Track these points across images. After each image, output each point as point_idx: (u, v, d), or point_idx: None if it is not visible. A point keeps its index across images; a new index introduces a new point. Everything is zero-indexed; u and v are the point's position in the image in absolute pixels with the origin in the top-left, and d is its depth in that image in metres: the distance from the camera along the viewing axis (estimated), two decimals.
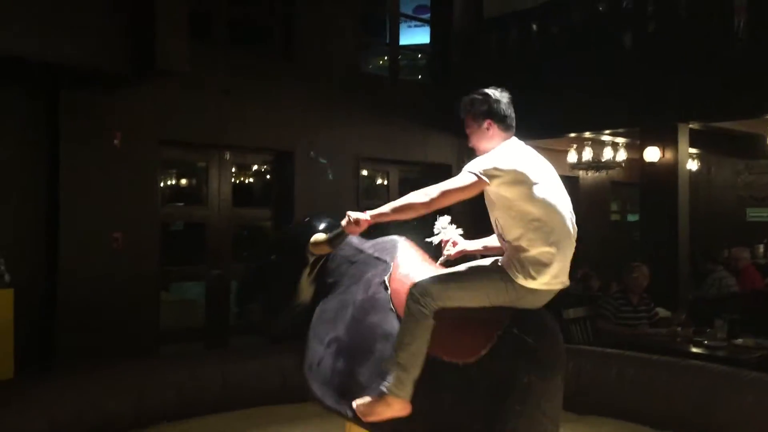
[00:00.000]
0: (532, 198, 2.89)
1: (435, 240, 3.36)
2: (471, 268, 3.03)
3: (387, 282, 3.19)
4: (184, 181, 7.78)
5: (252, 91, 7.28)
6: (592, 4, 8.69)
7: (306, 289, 3.40)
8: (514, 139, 3.13)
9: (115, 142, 6.30)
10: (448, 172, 9.24)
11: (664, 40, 7.79)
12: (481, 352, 2.87)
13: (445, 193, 2.89)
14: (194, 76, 6.12)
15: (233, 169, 7.60)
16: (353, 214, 2.98)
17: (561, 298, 8.64)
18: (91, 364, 4.96)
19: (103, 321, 6.14)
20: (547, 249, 2.90)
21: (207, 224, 7.26)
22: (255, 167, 8.15)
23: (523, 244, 2.90)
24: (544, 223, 2.91)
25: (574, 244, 3.00)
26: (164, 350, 6.67)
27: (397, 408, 2.86)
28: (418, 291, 2.90)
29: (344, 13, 8.23)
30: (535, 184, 2.88)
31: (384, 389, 2.86)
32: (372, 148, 8.34)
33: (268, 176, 8.01)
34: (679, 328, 6.13)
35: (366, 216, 2.96)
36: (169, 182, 7.56)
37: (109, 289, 6.23)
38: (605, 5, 8.58)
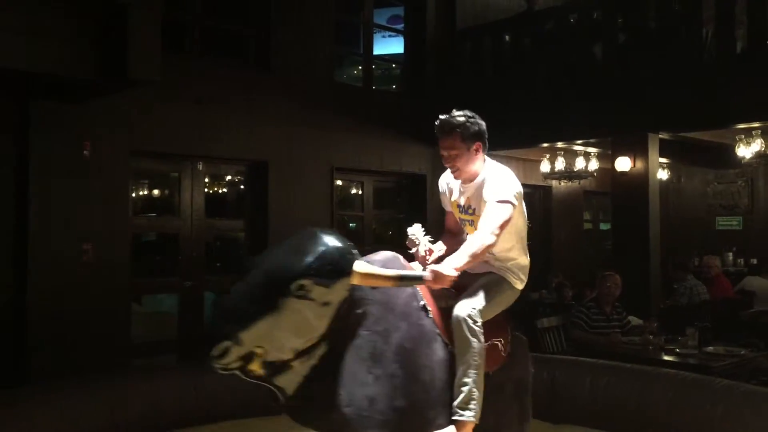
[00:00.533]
0: (523, 213, 3.21)
1: (421, 250, 3.23)
2: (489, 282, 3.16)
3: (427, 306, 3.03)
4: (156, 192, 7.70)
5: (226, 101, 7.25)
6: (563, 15, 8.80)
7: (318, 327, 2.75)
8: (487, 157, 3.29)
9: (85, 152, 6.22)
10: (423, 182, 9.32)
11: (634, 51, 7.90)
12: (505, 358, 3.16)
13: (501, 226, 2.98)
14: (167, 85, 6.06)
15: (206, 180, 7.54)
16: (439, 269, 2.78)
17: (534, 307, 8.71)
18: (63, 379, 4.86)
19: (74, 334, 6.04)
20: (527, 257, 3.29)
21: (180, 235, 7.19)
22: (228, 177, 8.10)
23: (513, 254, 3.19)
24: (525, 235, 3.26)
25: None
26: (136, 363, 6.58)
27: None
28: (473, 313, 2.98)
29: (319, 24, 8.23)
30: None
31: (465, 416, 2.90)
32: (347, 158, 8.34)
33: (242, 186, 7.96)
34: (651, 337, 6.18)
35: (454, 273, 2.81)
36: (141, 193, 7.48)
37: (79, 301, 6.14)
38: (576, 17, 8.68)
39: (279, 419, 4.29)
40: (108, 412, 4.43)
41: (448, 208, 3.37)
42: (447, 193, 3.33)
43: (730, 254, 11.51)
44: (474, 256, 2.90)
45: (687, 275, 8.78)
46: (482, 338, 2.97)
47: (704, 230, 12.35)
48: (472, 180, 3.18)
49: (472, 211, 3.17)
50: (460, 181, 3.22)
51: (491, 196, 3.01)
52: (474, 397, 2.91)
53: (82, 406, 4.40)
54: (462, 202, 3.22)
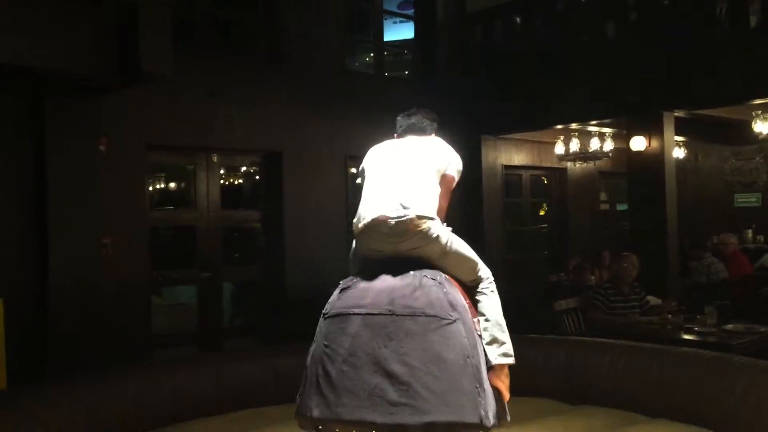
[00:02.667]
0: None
1: None
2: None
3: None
4: (172, 185, 7.77)
5: (238, 92, 7.28)
6: None
7: None
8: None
9: (101, 147, 6.26)
10: None
11: (647, 29, 7.83)
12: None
13: None
14: (180, 79, 6.09)
15: (221, 172, 7.59)
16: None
17: (553, 290, 8.70)
18: (84, 372, 4.93)
19: (95, 328, 6.10)
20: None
21: (196, 227, 7.25)
22: (243, 169, 8.15)
23: None
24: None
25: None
26: (157, 355, 6.66)
27: None
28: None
29: (329, 12, 8.22)
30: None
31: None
32: (360, 146, 8.29)
33: (256, 177, 8.00)
34: (670, 316, 6.18)
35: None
36: (157, 186, 7.55)
37: (100, 295, 6.20)
38: None
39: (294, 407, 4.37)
40: (131, 405, 4.49)
41: None
42: None
43: (750, 231, 11.41)
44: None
45: (704, 254, 8.75)
46: None
47: (722, 208, 12.24)
48: None
49: None
50: None
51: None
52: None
53: (106, 399, 4.47)
54: None
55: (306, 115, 7.81)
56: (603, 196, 12.05)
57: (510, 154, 10.07)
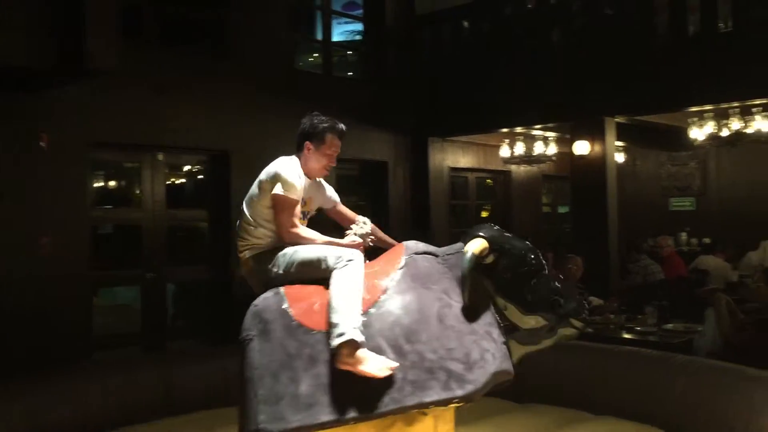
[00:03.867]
0: None
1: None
2: None
3: None
4: (115, 183, 7.57)
5: (185, 90, 7.14)
6: (521, 1, 8.89)
7: None
8: None
9: (42, 144, 6.08)
10: (385, 169, 9.35)
11: (591, 36, 8.03)
12: None
13: None
14: (124, 74, 5.94)
15: (167, 170, 7.43)
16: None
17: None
18: (25, 374, 4.77)
19: (34, 328, 5.93)
20: None
21: (141, 226, 7.09)
22: (189, 168, 8.00)
23: None
24: None
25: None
26: (98, 356, 6.49)
27: None
28: None
29: (277, 10, 8.16)
30: None
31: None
32: None
33: (203, 177, 7.87)
34: (612, 316, 6.36)
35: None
36: (100, 184, 7.34)
37: (39, 295, 6.02)
38: (534, 2, 8.79)
39: None
40: (71, 407, 4.37)
41: (298, 196, 3.25)
42: (302, 183, 3.28)
43: (684, 234, 11.81)
44: None
45: (640, 255, 9.02)
46: None
47: (659, 211, 12.64)
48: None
49: (304, 201, 3.35)
50: (306, 179, 3.33)
51: (335, 195, 3.56)
52: None
53: (47, 400, 4.33)
54: (303, 194, 3.31)
55: (254, 114, 7.72)
56: (545, 199, 12.30)
57: (456, 157, 10.18)
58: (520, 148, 9.94)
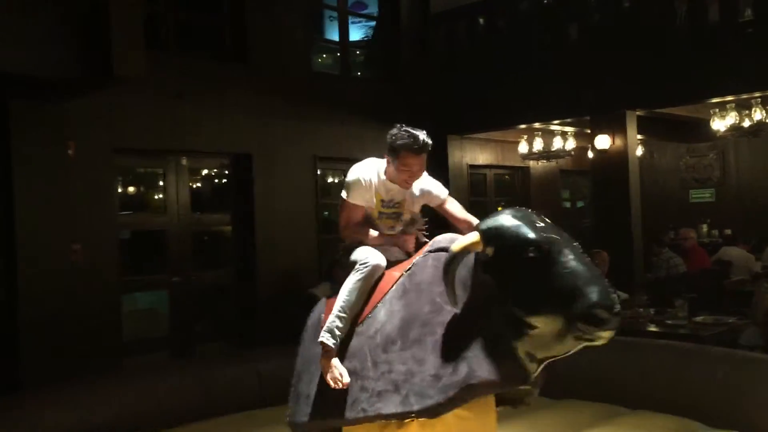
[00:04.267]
0: None
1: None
2: None
3: None
4: (141, 189, 7.62)
5: (205, 94, 7.17)
6: None
7: None
8: None
9: (69, 152, 6.13)
10: None
11: (609, 30, 8.00)
12: None
13: None
14: (146, 81, 5.97)
15: (191, 175, 7.47)
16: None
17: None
18: (60, 381, 4.82)
19: (65, 335, 5.98)
20: None
21: (166, 231, 7.13)
22: (213, 171, 8.04)
23: None
24: None
25: None
26: (128, 362, 6.53)
27: None
28: None
29: (293, 12, 8.18)
30: None
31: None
32: (329, 147, 8.33)
33: (226, 180, 7.91)
34: (641, 310, 6.34)
35: None
36: (125, 190, 7.39)
37: (70, 303, 6.07)
38: None
39: (280, 408, 4.35)
40: (108, 413, 4.41)
41: (361, 201, 3.27)
42: (370, 187, 3.26)
43: (705, 226, 11.76)
44: None
45: (662, 249, 8.98)
46: None
47: (678, 204, 12.58)
48: None
49: (395, 204, 3.33)
50: (386, 180, 3.28)
51: (442, 191, 3.40)
52: None
53: (82, 406, 4.38)
54: (386, 197, 3.31)
55: (274, 115, 7.75)
56: (564, 194, 12.26)
57: (474, 154, 10.17)
58: (538, 144, 9.91)
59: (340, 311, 3.02)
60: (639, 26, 7.71)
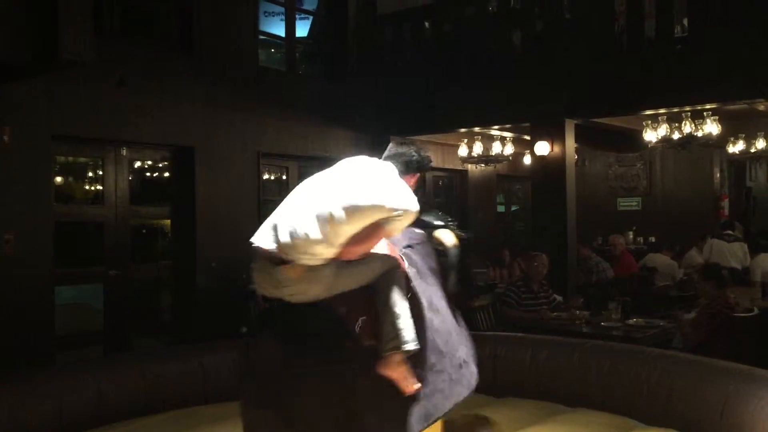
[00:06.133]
0: None
1: None
2: None
3: None
4: (78, 179, 7.38)
5: (149, 84, 7.04)
6: (483, 3, 9.05)
7: None
8: None
9: (5, 137, 5.90)
10: None
11: (551, 40, 8.24)
12: None
13: None
14: (88, 69, 5.81)
15: (130, 166, 7.29)
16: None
17: (468, 288, 8.97)
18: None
19: None
20: None
21: (104, 223, 6.94)
22: (153, 163, 7.86)
23: None
24: None
25: None
26: (60, 357, 6.33)
27: None
28: None
29: (241, 6, 8.09)
30: None
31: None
32: (273, 143, 8.27)
33: (167, 173, 7.75)
34: (577, 312, 6.55)
35: None
36: (63, 179, 7.15)
37: (0, 293, 5.84)
38: (495, 4, 8.95)
39: (227, 405, 4.31)
40: (55, 406, 4.27)
41: None
42: None
43: (631, 233, 12.22)
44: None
45: (591, 254, 9.31)
46: None
47: (606, 211, 13.03)
48: None
49: None
50: None
51: None
52: None
53: (22, 400, 4.22)
54: None
55: (218, 109, 7.65)
56: (499, 198, 12.53)
57: None
58: (478, 148, 10.10)
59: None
60: (579, 37, 7.97)
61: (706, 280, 5.87)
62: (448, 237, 3.18)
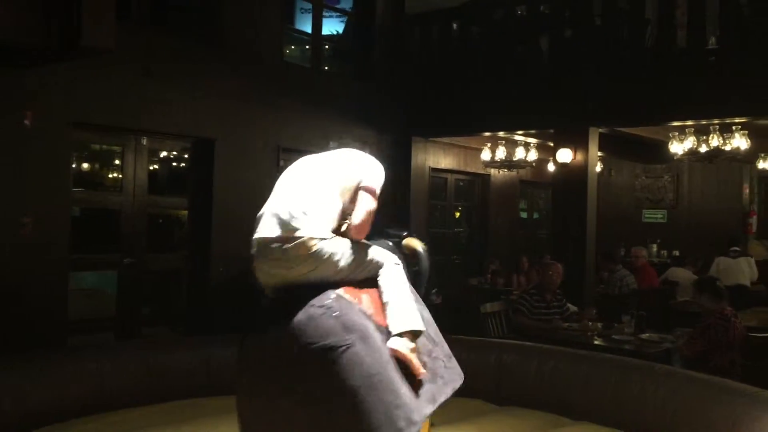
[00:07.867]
0: None
1: None
2: None
3: None
4: (98, 166, 7.45)
5: (173, 75, 7.04)
6: (511, 6, 8.96)
7: None
8: None
9: (26, 122, 5.95)
10: None
11: (579, 46, 8.13)
12: None
13: None
14: (113, 56, 5.83)
15: (150, 155, 7.34)
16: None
17: (475, 292, 8.94)
18: (3, 357, 4.68)
19: (8, 310, 5.81)
20: None
21: (121, 211, 6.99)
22: (173, 153, 7.90)
23: None
24: None
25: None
26: (72, 341, 6.38)
27: None
28: None
29: (269, 1, 8.10)
30: None
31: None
32: (294, 139, 8.27)
33: (186, 163, 7.78)
34: (589, 323, 6.46)
35: None
36: (81, 166, 7.22)
37: (16, 276, 5.90)
38: (524, 8, 8.86)
39: (228, 399, 4.30)
40: (57, 391, 4.31)
41: None
42: None
43: (655, 246, 12.04)
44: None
45: (616, 266, 9.17)
46: None
47: (631, 222, 12.85)
48: None
49: None
50: None
51: None
52: None
53: (25, 384, 4.27)
54: None
55: (241, 103, 7.66)
56: (521, 204, 12.41)
57: (437, 157, 10.23)
58: (501, 153, 10.01)
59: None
60: (608, 44, 7.85)
61: (701, 293, 5.76)
62: (417, 243, 3.38)
